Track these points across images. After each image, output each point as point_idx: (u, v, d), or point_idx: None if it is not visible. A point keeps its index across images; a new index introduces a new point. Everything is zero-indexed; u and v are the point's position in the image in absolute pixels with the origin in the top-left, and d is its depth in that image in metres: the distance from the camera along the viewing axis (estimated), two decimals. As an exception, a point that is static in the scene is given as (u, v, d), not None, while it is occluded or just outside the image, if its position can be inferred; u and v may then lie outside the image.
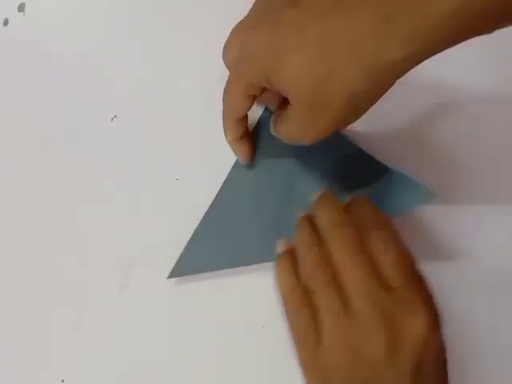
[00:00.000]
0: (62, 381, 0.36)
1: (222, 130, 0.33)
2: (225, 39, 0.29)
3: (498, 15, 0.23)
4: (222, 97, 0.31)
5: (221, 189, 0.36)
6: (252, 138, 0.35)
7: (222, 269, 0.36)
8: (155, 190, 0.38)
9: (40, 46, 0.41)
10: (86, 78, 0.40)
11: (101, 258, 0.37)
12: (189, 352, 0.36)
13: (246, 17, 0.29)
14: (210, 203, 0.36)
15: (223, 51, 0.30)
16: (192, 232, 0.36)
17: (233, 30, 0.29)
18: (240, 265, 0.35)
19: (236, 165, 0.36)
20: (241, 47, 0.28)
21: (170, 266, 0.36)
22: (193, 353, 0.36)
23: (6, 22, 0.41)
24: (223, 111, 0.32)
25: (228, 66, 0.30)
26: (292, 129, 0.29)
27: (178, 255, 0.36)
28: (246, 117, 0.32)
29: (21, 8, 0.41)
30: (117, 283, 0.37)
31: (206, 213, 0.36)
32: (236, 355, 0.35)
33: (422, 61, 0.25)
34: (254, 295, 0.35)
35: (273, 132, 0.32)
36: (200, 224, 0.36)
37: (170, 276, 0.36)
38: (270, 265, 0.34)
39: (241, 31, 0.28)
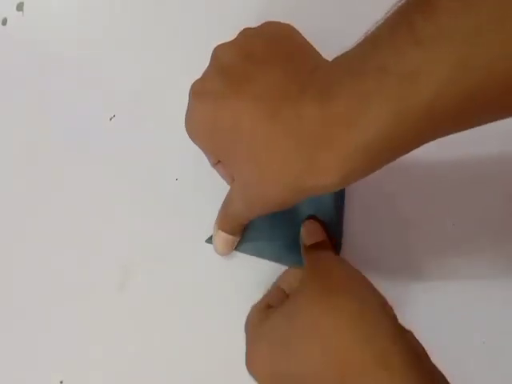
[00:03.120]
0: (61, 382, 0.36)
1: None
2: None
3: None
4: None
5: None
6: None
7: (257, 256, 0.36)
8: (155, 190, 0.38)
9: (39, 45, 0.40)
10: (85, 78, 0.40)
11: (101, 258, 0.37)
12: (189, 352, 0.36)
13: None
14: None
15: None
16: (191, 232, 0.36)
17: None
18: (275, 261, 0.36)
19: None
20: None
21: (169, 266, 0.36)
22: (193, 353, 0.36)
23: (4, 22, 0.41)
24: None
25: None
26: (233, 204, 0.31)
27: (178, 256, 0.36)
28: None
29: (19, 7, 0.41)
30: (117, 283, 0.37)
31: None
32: (238, 356, 0.35)
33: (358, 179, 0.24)
34: (258, 295, 0.35)
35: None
36: None
37: (208, 242, 0.36)
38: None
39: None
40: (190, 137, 0.29)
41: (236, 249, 0.36)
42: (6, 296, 0.37)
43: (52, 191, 0.38)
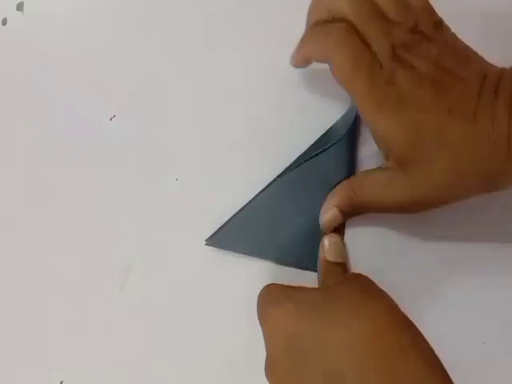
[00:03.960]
0: (61, 382, 0.36)
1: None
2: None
3: None
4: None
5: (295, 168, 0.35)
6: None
7: (257, 257, 0.35)
8: (155, 190, 0.38)
9: (39, 45, 0.41)
10: (85, 78, 0.40)
11: (101, 258, 0.37)
12: (189, 352, 0.36)
13: None
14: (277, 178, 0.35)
15: None
16: (191, 232, 0.36)
17: None
18: (276, 261, 0.35)
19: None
20: None
21: (169, 266, 0.36)
22: (193, 353, 0.36)
23: (4, 22, 0.41)
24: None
25: None
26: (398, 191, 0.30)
27: (178, 256, 0.36)
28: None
29: (19, 7, 0.41)
30: (117, 283, 0.37)
31: (261, 194, 0.35)
32: (238, 355, 0.35)
33: None
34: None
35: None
36: (251, 203, 0.35)
37: (208, 243, 0.36)
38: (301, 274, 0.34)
39: None
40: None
41: (235, 250, 0.36)
42: (6, 296, 0.37)
43: (52, 191, 0.38)
